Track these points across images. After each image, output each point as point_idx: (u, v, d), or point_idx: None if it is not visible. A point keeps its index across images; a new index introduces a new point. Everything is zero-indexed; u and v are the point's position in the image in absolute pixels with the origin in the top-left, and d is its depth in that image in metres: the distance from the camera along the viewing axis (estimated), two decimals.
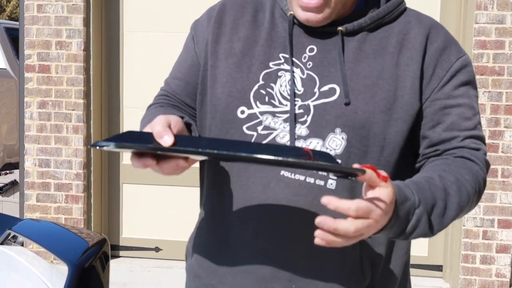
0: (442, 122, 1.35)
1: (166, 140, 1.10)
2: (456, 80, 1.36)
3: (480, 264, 4.33)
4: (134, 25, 4.73)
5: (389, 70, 1.34)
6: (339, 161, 1.30)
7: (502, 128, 4.25)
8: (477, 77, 4.15)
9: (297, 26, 1.38)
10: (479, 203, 4.29)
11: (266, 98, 1.35)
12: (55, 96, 4.59)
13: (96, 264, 1.91)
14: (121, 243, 4.90)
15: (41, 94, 4.60)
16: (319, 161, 1.05)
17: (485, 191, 4.23)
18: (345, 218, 1.08)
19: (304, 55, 1.36)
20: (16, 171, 5.76)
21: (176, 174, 1.17)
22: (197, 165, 1.39)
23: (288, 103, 1.34)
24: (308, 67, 1.35)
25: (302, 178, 1.31)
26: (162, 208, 4.82)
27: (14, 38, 7.09)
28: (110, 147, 1.06)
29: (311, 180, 1.31)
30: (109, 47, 4.76)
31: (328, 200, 1.07)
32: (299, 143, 1.32)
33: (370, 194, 1.10)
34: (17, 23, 6.51)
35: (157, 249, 4.86)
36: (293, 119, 1.32)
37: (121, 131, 4.79)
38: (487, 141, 4.17)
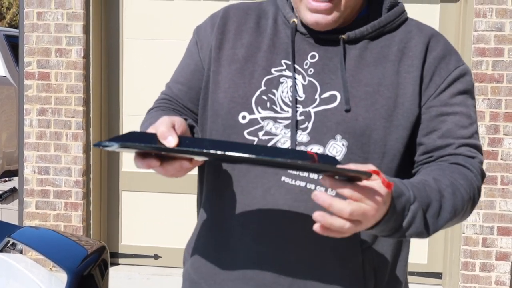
0: (437, 129, 1.35)
1: (170, 140, 1.09)
2: (453, 89, 1.36)
3: (480, 271, 4.32)
4: (133, 33, 4.74)
5: (390, 77, 1.34)
6: None
7: (501, 136, 4.25)
8: (476, 84, 4.15)
9: (299, 33, 1.39)
10: (478, 211, 4.30)
11: (268, 104, 1.35)
12: (55, 104, 4.59)
13: (95, 272, 1.91)
14: (120, 251, 4.89)
15: (41, 101, 4.60)
16: (324, 164, 1.05)
17: (485, 198, 4.24)
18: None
19: (306, 61, 1.37)
20: (16, 179, 5.75)
21: (180, 176, 1.16)
22: (195, 171, 1.39)
23: (290, 109, 1.34)
24: (310, 73, 1.36)
25: (302, 184, 1.31)
26: (161, 216, 4.81)
27: (14, 45, 7.10)
28: (114, 147, 1.05)
29: (312, 186, 1.31)
30: (109, 54, 4.77)
31: (320, 197, 1.06)
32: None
33: (367, 183, 1.09)
34: (17, 30, 6.52)
35: (156, 257, 4.85)
36: (295, 125, 1.32)
37: None
38: (486, 148, 4.17)
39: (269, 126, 1.35)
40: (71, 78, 4.57)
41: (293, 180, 1.32)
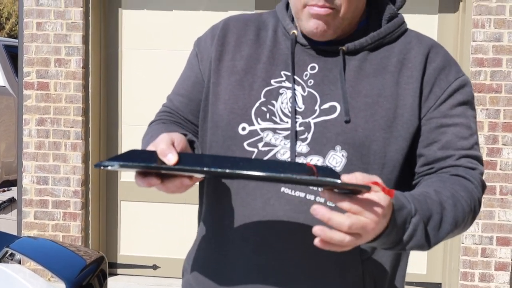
0: (438, 141, 1.35)
1: (170, 158, 1.10)
2: (453, 100, 1.36)
3: (479, 281, 4.31)
4: (132, 43, 4.75)
5: (390, 88, 1.34)
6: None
7: (500, 146, 4.25)
8: (475, 94, 4.16)
9: (299, 45, 1.39)
10: (477, 221, 4.29)
11: (267, 115, 1.36)
12: (54, 113, 4.59)
13: (93, 282, 1.91)
14: (119, 261, 4.88)
15: (40, 111, 4.61)
16: (323, 178, 1.05)
17: (484, 208, 4.24)
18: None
19: (306, 73, 1.37)
20: (14, 189, 5.75)
21: (181, 192, 1.17)
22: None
23: (289, 120, 1.34)
24: (309, 85, 1.36)
25: (302, 195, 1.31)
26: (160, 226, 4.80)
27: (13, 55, 7.11)
28: (115, 167, 1.06)
29: (311, 197, 1.31)
30: (108, 64, 4.78)
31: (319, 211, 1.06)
32: (299, 160, 1.32)
33: (367, 196, 1.09)
34: (16, 40, 6.53)
35: (155, 267, 4.84)
36: (294, 136, 1.33)
37: (119, 148, 4.80)
38: (485, 158, 4.17)
39: (269, 137, 1.35)
40: (70, 88, 4.57)
41: (293, 191, 1.31)
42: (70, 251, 2.33)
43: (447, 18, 4.44)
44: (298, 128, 1.34)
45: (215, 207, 1.41)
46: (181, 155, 1.12)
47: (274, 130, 1.35)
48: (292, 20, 1.42)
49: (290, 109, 1.35)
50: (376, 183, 1.08)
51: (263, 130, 1.35)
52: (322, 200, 1.30)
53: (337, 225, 1.06)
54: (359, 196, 1.07)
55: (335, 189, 1.07)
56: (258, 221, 1.33)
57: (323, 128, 1.32)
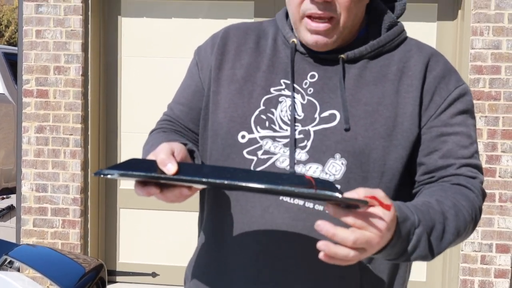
0: (438, 150, 1.35)
1: (170, 168, 1.10)
2: (454, 108, 1.37)
3: None
4: (132, 51, 4.76)
5: (390, 97, 1.35)
6: (338, 186, 1.30)
7: (499, 153, 4.25)
8: (474, 102, 4.16)
9: (299, 53, 1.40)
10: (477, 228, 4.29)
11: (267, 123, 1.36)
12: (53, 121, 4.60)
13: None
14: (118, 268, 4.87)
15: (39, 119, 4.61)
16: (321, 191, 1.05)
17: (483, 216, 4.23)
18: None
19: (305, 81, 1.37)
20: (13, 196, 5.74)
21: (180, 202, 1.18)
22: None
23: (288, 128, 1.34)
24: (309, 93, 1.36)
25: (301, 203, 1.31)
26: (159, 233, 4.80)
27: (12, 63, 7.12)
28: (114, 175, 1.06)
29: (310, 205, 1.31)
30: (107, 72, 4.78)
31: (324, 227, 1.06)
32: (298, 168, 1.32)
33: (372, 210, 1.09)
34: (16, 48, 6.54)
35: (154, 275, 4.83)
36: (293, 144, 1.33)
37: (118, 156, 4.80)
38: (484, 165, 4.17)
39: (268, 145, 1.35)
40: (70, 95, 4.58)
41: (292, 199, 1.32)
42: (69, 258, 2.32)
43: (446, 26, 4.45)
44: (297, 136, 1.34)
45: (215, 215, 1.41)
46: (180, 165, 1.12)
47: (273, 138, 1.35)
48: (292, 29, 1.43)
49: (289, 117, 1.35)
50: (374, 198, 1.07)
51: (262, 138, 1.35)
52: (321, 208, 1.30)
53: (342, 240, 1.06)
54: (364, 210, 1.07)
55: (332, 202, 1.07)
56: (257, 228, 1.33)
57: (323, 136, 1.33)
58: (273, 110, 1.36)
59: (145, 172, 1.09)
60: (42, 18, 4.56)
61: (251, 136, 1.36)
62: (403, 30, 1.43)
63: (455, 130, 1.36)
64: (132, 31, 4.75)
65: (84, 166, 4.62)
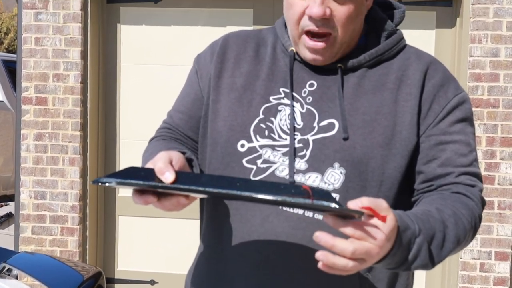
0: (437, 158, 1.35)
1: (168, 177, 1.11)
2: (452, 117, 1.37)
3: None
4: (131, 58, 4.76)
5: (388, 106, 1.35)
6: (337, 195, 1.30)
7: (498, 160, 4.26)
8: (472, 109, 4.16)
9: (297, 62, 1.40)
10: (475, 235, 4.28)
11: (266, 132, 1.36)
12: (52, 128, 4.59)
13: None
14: (117, 276, 4.86)
15: (38, 126, 4.60)
16: (318, 201, 1.05)
17: (482, 223, 4.21)
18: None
19: (304, 90, 1.38)
20: (12, 203, 5.73)
21: (177, 211, 1.18)
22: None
23: (288, 137, 1.34)
24: (308, 101, 1.36)
25: (301, 212, 1.31)
26: (158, 241, 4.79)
27: (11, 70, 7.12)
28: (112, 184, 1.07)
29: (310, 214, 1.31)
30: (106, 79, 4.78)
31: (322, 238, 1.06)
32: (298, 177, 1.32)
33: (372, 221, 1.09)
34: (15, 55, 6.54)
35: (152, 282, 4.82)
36: (293, 153, 1.33)
37: (117, 163, 4.79)
38: (483, 173, 4.17)
39: (268, 154, 1.35)
40: (69, 103, 4.58)
41: (291, 208, 1.31)
42: (67, 266, 2.32)
43: (444, 34, 4.46)
44: (296, 145, 1.34)
45: (214, 224, 1.41)
46: (178, 173, 1.12)
47: (272, 147, 1.35)
48: None
49: (288, 126, 1.35)
50: (369, 209, 1.07)
51: (262, 147, 1.35)
52: (321, 217, 1.30)
53: (340, 251, 1.06)
54: (362, 220, 1.07)
55: (330, 213, 1.07)
56: (257, 237, 1.33)
57: (322, 145, 1.33)
58: (272, 119, 1.36)
59: (143, 180, 1.10)
60: (41, 26, 4.57)
61: (251, 145, 1.36)
62: (402, 38, 1.43)
63: (454, 138, 1.36)
64: (131, 38, 4.75)
65: (83, 174, 4.62)
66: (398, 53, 1.41)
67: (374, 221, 1.07)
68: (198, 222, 1.55)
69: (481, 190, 1.37)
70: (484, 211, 4.46)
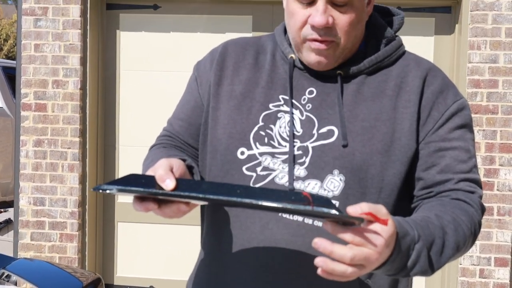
0: (436, 165, 1.35)
1: (168, 184, 1.11)
2: (451, 123, 1.37)
3: None
4: (130, 64, 4.77)
5: (387, 112, 1.35)
6: (337, 202, 1.30)
7: (497, 166, 4.26)
8: (472, 115, 4.17)
9: (297, 69, 1.40)
10: (475, 242, 4.28)
11: (266, 139, 1.36)
12: (51, 135, 4.60)
13: None
14: (116, 282, 4.85)
15: (37, 132, 4.61)
16: (318, 208, 1.05)
17: (481, 229, 4.22)
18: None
19: (304, 97, 1.38)
20: (11, 210, 5.73)
21: (178, 217, 1.18)
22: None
23: (287, 144, 1.35)
24: (307, 109, 1.37)
25: (300, 219, 1.31)
26: (157, 247, 4.79)
27: (11, 76, 7.12)
28: (113, 191, 1.07)
29: (309, 221, 1.31)
30: (105, 86, 4.79)
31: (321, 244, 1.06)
32: (297, 184, 1.32)
33: (371, 227, 1.09)
34: (14, 62, 6.55)
35: None
36: (292, 160, 1.33)
37: (116, 170, 4.79)
38: (482, 179, 4.17)
39: (267, 161, 1.35)
40: (68, 109, 4.58)
41: (291, 215, 1.31)
42: (66, 272, 2.32)
43: (443, 40, 4.47)
44: (296, 152, 1.34)
45: (214, 230, 1.41)
46: (179, 181, 1.13)
47: (272, 154, 1.35)
48: (290, 44, 1.43)
49: (288, 133, 1.35)
50: (370, 214, 1.07)
51: (261, 154, 1.35)
52: (320, 224, 1.30)
53: (340, 257, 1.06)
54: (361, 227, 1.07)
55: (330, 219, 1.07)
56: (256, 244, 1.33)
57: (321, 152, 1.33)
58: (272, 126, 1.37)
59: (143, 187, 1.10)
60: (41, 32, 4.58)
61: (250, 152, 1.36)
62: (401, 45, 1.43)
63: (453, 145, 1.36)
64: (131, 45, 4.76)
65: (82, 180, 4.62)
66: (397, 60, 1.41)
67: (374, 226, 1.07)
68: (197, 228, 1.55)
69: (480, 197, 1.37)
70: (484, 217, 4.47)
